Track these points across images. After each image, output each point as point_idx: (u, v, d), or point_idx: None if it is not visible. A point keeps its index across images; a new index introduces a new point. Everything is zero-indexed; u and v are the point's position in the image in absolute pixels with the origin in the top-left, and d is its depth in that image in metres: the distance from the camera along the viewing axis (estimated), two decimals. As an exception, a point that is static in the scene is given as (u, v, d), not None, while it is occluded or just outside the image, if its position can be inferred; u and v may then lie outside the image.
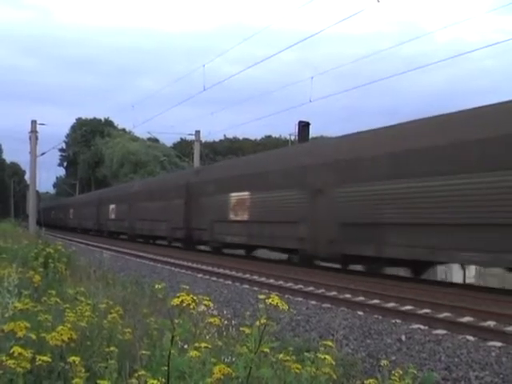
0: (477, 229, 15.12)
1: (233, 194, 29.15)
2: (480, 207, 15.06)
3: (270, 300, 3.01)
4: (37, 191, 58.26)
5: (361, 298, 15.00)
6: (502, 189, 14.54)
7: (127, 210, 46.82)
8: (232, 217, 29.11)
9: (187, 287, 3.63)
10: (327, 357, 3.39)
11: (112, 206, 52.22)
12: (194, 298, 2.93)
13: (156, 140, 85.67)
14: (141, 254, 31.37)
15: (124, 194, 49.42)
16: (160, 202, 39.44)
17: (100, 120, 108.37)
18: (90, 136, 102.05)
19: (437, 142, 16.77)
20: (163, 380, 2.99)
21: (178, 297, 2.89)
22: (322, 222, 21.48)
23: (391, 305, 13.97)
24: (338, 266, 22.41)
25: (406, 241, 17.51)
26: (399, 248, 17.74)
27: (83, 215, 64.48)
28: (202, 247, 34.62)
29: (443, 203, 16.21)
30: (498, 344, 10.02)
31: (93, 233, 59.20)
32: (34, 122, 51.54)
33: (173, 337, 2.94)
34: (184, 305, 2.87)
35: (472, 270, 21.71)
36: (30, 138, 51.69)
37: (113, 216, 52.03)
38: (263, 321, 3.07)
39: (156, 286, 3.34)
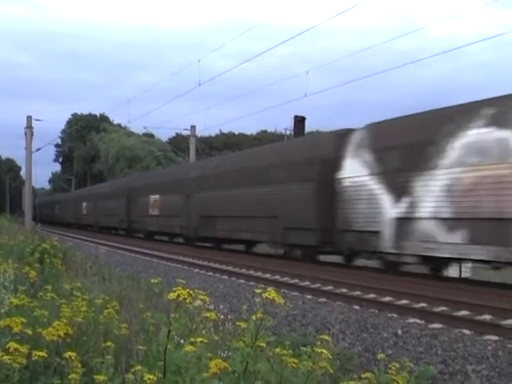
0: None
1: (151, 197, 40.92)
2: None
3: (266, 294, 3.01)
4: (32, 187, 58.20)
5: (357, 293, 15.00)
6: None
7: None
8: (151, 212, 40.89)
9: (183, 281, 3.62)
10: (324, 351, 3.38)
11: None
12: (191, 292, 2.92)
13: (152, 135, 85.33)
14: (137, 249, 31.35)
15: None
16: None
17: (95, 115, 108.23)
18: (85, 131, 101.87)
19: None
20: (159, 375, 2.98)
21: (175, 291, 2.88)
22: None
23: (387, 299, 13.98)
24: (333, 260, 22.51)
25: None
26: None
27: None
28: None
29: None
30: (495, 338, 10.04)
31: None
32: (29, 118, 51.50)
33: (169, 331, 2.93)
34: (180, 299, 2.86)
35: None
36: (26, 134, 51.63)
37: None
38: (259, 315, 3.06)
39: (152, 281, 3.32)
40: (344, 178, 20.70)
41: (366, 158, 19.81)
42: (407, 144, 17.82)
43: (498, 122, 14.78)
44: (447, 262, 17.60)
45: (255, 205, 26.17)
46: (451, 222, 15.72)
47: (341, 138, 21.60)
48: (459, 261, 17.68)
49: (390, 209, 18.30)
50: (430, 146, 16.58)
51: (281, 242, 24.77)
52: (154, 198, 40.56)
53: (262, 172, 26.11)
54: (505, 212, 14.14)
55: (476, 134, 15.27)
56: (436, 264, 17.79)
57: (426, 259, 17.45)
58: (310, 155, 22.88)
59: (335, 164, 21.03)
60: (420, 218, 17.04)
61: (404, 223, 17.71)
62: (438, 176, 16.26)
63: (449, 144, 15.95)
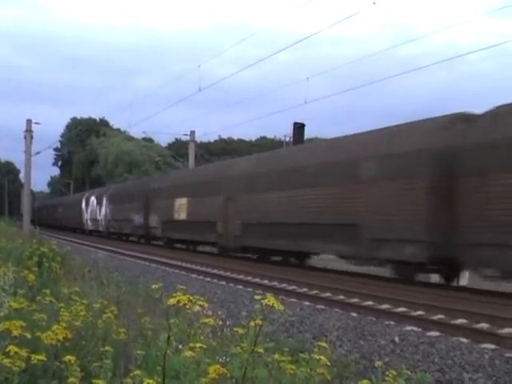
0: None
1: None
2: None
3: (266, 300, 3.02)
4: (31, 190, 58.17)
5: (355, 300, 15.01)
6: None
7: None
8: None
9: (184, 287, 3.63)
10: (322, 357, 3.40)
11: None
12: (190, 298, 2.94)
13: (151, 140, 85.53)
14: (135, 253, 31.34)
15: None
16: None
17: (95, 119, 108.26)
18: (84, 135, 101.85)
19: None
20: (159, 379, 3.00)
21: (175, 297, 2.90)
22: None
23: (385, 306, 13.99)
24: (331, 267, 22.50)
25: None
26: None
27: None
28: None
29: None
30: (492, 346, 10.05)
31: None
32: (29, 121, 51.52)
33: (168, 337, 2.95)
34: (180, 305, 2.88)
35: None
36: (25, 137, 51.63)
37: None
38: (258, 321, 3.08)
39: (153, 286, 3.34)
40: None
41: None
42: None
43: None
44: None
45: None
46: None
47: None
48: None
49: None
50: None
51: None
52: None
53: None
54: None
55: None
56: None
57: None
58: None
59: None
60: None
61: None
62: None
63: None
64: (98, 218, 53.64)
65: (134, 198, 43.97)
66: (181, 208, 35.25)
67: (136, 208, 42.70)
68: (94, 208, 54.45)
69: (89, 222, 57.18)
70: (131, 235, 45.66)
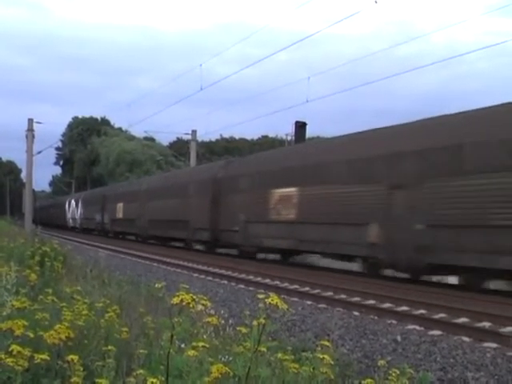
0: None
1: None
2: None
3: (269, 300, 3.02)
4: (33, 190, 58.22)
5: (356, 299, 15.01)
6: None
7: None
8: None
9: (187, 286, 3.63)
10: (326, 356, 3.39)
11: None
12: (194, 297, 2.93)
13: (152, 139, 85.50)
14: (136, 252, 31.34)
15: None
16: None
17: (96, 119, 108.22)
18: (86, 135, 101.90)
19: None
20: (162, 379, 2.99)
21: (178, 295, 2.89)
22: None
23: (387, 305, 13.99)
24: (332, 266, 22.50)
25: None
26: None
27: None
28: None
29: None
30: (494, 345, 10.05)
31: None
32: (30, 121, 51.53)
33: (172, 336, 2.95)
34: (184, 304, 2.87)
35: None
36: (27, 137, 51.63)
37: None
38: (262, 320, 3.07)
39: (155, 285, 3.34)
40: None
41: None
42: None
43: None
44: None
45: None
46: None
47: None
48: None
49: None
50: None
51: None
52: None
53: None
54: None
55: None
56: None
57: None
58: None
59: None
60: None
61: None
62: None
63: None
64: (76, 217, 66.11)
65: (96, 201, 56.28)
66: (120, 209, 48.54)
67: (97, 209, 55.24)
68: (73, 209, 67.32)
69: (70, 220, 69.00)
70: (95, 230, 56.53)
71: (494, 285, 17.19)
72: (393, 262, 18.57)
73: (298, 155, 26.47)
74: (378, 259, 19.31)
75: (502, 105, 16.18)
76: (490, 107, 16.74)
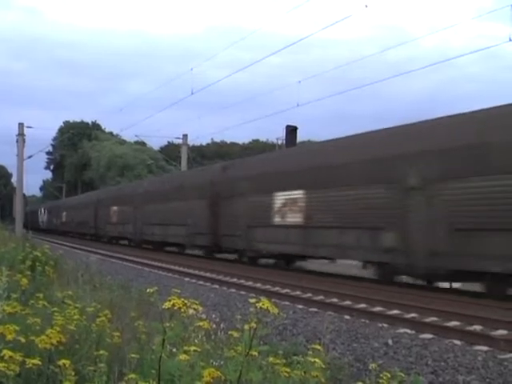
0: None
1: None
2: None
3: (260, 304, 3.03)
4: (23, 194, 58.12)
5: (348, 302, 15.03)
6: None
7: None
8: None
9: (178, 291, 3.64)
10: (317, 360, 3.41)
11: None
12: (185, 301, 2.94)
13: (143, 143, 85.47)
14: (127, 257, 31.30)
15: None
16: None
17: (87, 123, 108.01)
18: (77, 139, 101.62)
19: None
20: (154, 383, 3.00)
21: (170, 300, 2.90)
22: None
23: (378, 309, 14.01)
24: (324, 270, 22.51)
25: None
26: None
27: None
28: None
29: None
30: (485, 348, 10.07)
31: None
32: (21, 125, 51.43)
33: (163, 340, 2.95)
34: (175, 308, 2.88)
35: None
36: (17, 141, 51.56)
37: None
38: (253, 324, 3.08)
39: (147, 290, 3.34)
40: None
41: None
42: None
43: None
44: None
45: None
46: None
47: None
48: None
49: None
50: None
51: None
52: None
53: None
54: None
55: None
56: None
57: None
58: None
59: None
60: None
61: None
62: None
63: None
64: (44, 220, 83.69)
65: (53, 210, 77.94)
66: (63, 215, 69.00)
67: (54, 216, 75.27)
68: (43, 215, 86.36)
69: (42, 223, 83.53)
70: (56, 230, 70.38)
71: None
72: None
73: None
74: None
75: None
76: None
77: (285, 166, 24.71)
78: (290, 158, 25.91)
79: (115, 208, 48.13)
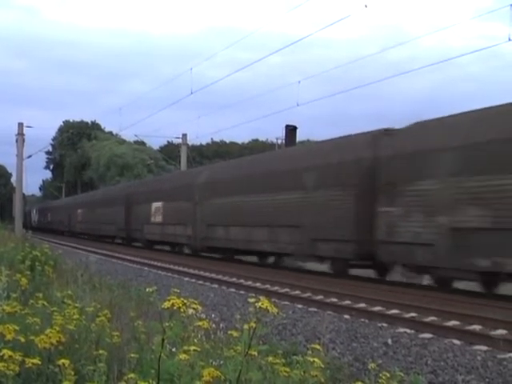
0: None
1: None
2: None
3: (260, 303, 3.03)
4: (23, 194, 58.13)
5: (347, 302, 15.02)
6: None
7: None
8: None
9: (177, 290, 3.64)
10: (316, 360, 3.41)
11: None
12: (185, 301, 2.94)
13: (143, 143, 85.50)
14: (127, 257, 31.29)
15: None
16: None
17: (87, 123, 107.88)
18: (76, 139, 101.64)
19: None
20: (153, 383, 3.00)
21: (169, 300, 2.90)
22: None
23: (377, 308, 14.00)
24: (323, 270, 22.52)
25: None
26: None
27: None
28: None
29: None
30: (484, 348, 10.07)
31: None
32: (20, 125, 51.42)
33: (163, 340, 2.96)
34: (174, 308, 2.88)
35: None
36: (17, 141, 51.54)
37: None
38: (252, 324, 3.08)
39: (147, 290, 3.34)
40: None
41: None
42: None
43: None
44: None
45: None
46: None
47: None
48: None
49: None
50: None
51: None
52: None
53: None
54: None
55: None
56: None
57: None
58: None
59: None
60: None
61: None
62: None
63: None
64: (36, 219, 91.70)
65: (43, 211, 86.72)
66: (49, 215, 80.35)
67: (44, 215, 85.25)
68: (35, 214, 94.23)
69: (34, 222, 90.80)
70: (46, 228, 75.62)
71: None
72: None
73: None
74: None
75: None
76: None
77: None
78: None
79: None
